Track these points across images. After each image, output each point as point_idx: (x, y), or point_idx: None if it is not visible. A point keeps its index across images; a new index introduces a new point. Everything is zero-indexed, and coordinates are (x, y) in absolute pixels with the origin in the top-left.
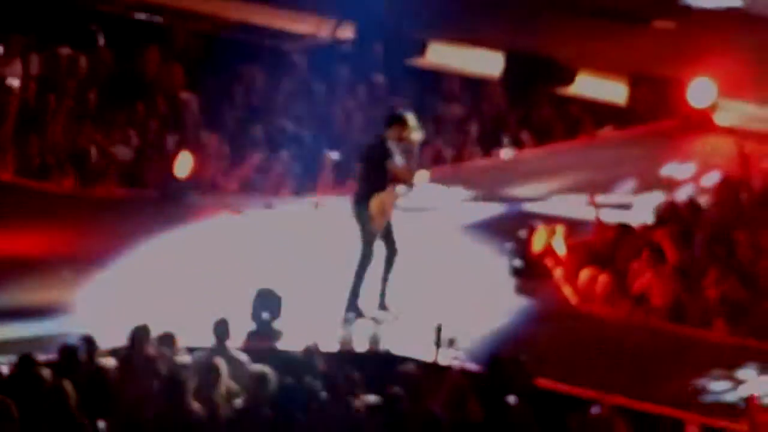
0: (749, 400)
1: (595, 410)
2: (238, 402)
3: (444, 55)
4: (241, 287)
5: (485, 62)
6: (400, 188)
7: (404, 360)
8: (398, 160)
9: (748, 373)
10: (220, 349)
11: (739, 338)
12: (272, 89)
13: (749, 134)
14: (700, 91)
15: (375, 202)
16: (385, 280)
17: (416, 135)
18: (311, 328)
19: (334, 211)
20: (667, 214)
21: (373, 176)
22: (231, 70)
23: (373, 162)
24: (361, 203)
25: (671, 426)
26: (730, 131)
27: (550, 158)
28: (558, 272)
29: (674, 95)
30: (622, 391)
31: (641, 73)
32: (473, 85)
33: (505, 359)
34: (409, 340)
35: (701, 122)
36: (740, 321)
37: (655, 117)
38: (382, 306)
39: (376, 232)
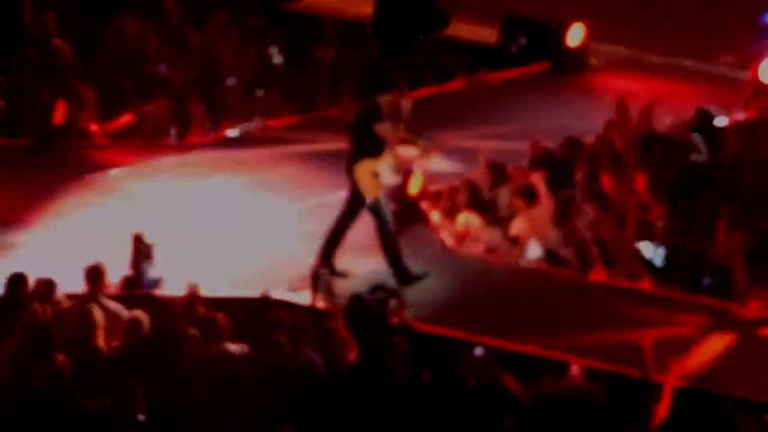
0: (641, 344)
1: (478, 352)
2: (113, 348)
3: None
4: (122, 235)
5: (359, 6)
6: (401, 154)
7: (281, 305)
8: (388, 126)
9: (624, 315)
10: (93, 296)
11: (614, 280)
12: (145, 36)
13: (622, 75)
14: (574, 32)
15: (363, 169)
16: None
17: (407, 105)
18: (196, 273)
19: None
20: (542, 157)
21: (362, 142)
22: (104, 17)
23: (363, 127)
24: (349, 170)
25: (553, 368)
26: (603, 72)
27: (425, 103)
28: (435, 215)
29: (547, 37)
30: (502, 334)
31: (513, 15)
32: (348, 28)
33: (365, 300)
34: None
35: (575, 63)
36: (614, 262)
37: (529, 59)
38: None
39: (369, 200)
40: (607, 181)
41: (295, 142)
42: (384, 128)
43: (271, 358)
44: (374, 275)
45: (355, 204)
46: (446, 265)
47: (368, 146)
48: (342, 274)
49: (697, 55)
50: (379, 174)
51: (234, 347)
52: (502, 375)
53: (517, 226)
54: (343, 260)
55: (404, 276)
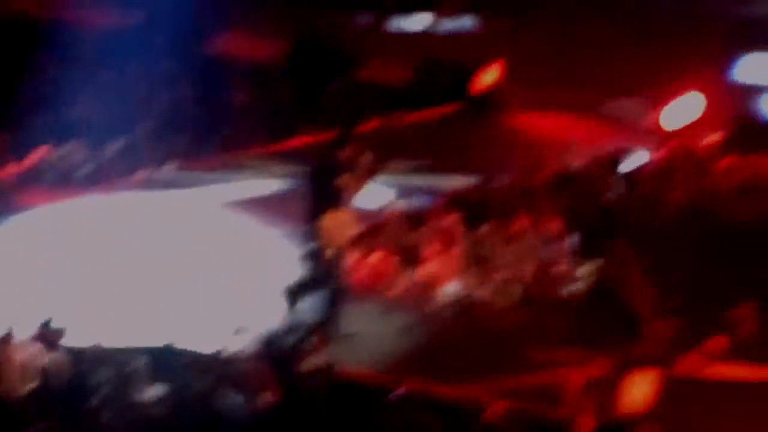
0: (569, 384)
1: (396, 394)
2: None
3: (231, 43)
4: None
5: (272, 49)
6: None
7: (193, 352)
8: (348, 178)
9: (543, 357)
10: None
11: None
12: (60, 78)
13: (537, 116)
14: (489, 74)
15: (327, 222)
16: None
17: (367, 156)
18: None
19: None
20: (457, 198)
21: (322, 195)
22: (18, 57)
23: (323, 180)
24: (311, 223)
25: (474, 409)
26: (518, 112)
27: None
28: (353, 256)
29: (463, 79)
30: (419, 375)
31: (430, 57)
32: (261, 72)
33: (281, 341)
34: (201, 330)
35: (490, 104)
36: (532, 302)
37: (442, 101)
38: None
39: (327, 253)
40: (522, 222)
41: (210, 184)
42: (346, 181)
43: (190, 400)
44: (293, 317)
45: (314, 252)
46: (365, 308)
47: (329, 199)
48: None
49: (610, 96)
50: (339, 225)
51: (153, 390)
52: (423, 416)
53: (433, 267)
54: (269, 303)
55: (335, 327)
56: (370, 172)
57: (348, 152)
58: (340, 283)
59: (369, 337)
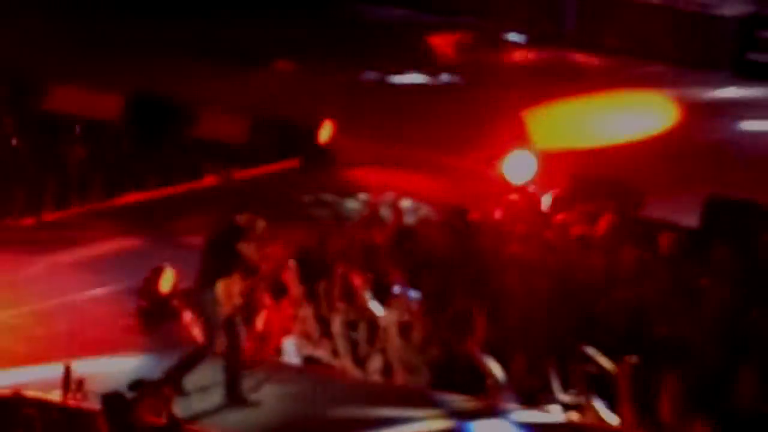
0: None
1: None
2: None
3: (66, 98)
4: None
5: (107, 105)
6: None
7: (33, 403)
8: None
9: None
10: None
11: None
12: None
13: (372, 171)
14: (324, 130)
15: (222, 287)
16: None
17: (262, 223)
18: None
19: None
20: (294, 252)
21: (220, 261)
22: None
23: (222, 246)
24: (207, 288)
25: None
26: (353, 168)
27: (176, 199)
28: (187, 314)
29: (297, 135)
30: None
31: (262, 113)
32: (96, 128)
33: (121, 396)
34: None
35: (325, 160)
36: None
37: (276, 156)
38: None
39: (219, 319)
40: (358, 278)
41: (42, 241)
42: (247, 248)
43: None
44: (135, 372)
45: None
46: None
47: (228, 264)
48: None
49: (447, 150)
50: (232, 295)
51: None
52: None
53: (263, 320)
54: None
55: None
56: (264, 238)
57: (245, 218)
58: (235, 346)
59: (204, 394)
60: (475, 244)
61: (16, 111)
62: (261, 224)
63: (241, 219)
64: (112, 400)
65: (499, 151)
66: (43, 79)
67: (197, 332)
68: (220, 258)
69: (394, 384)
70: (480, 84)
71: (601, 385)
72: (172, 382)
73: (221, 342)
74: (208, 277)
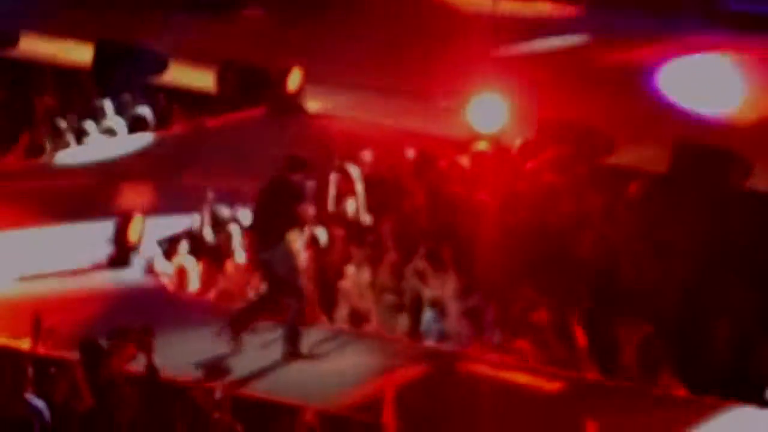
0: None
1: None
2: None
3: (35, 46)
4: None
5: (76, 52)
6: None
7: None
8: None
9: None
10: None
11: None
12: None
13: (341, 119)
14: (293, 76)
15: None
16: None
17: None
18: None
19: None
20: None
21: (282, 218)
22: None
23: (281, 204)
24: (276, 246)
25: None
26: (321, 116)
27: (145, 148)
28: (159, 262)
29: (264, 82)
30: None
31: (229, 60)
32: (65, 75)
33: (92, 342)
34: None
35: (292, 107)
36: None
37: (243, 104)
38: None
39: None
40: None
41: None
42: (305, 209)
43: None
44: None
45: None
46: (166, 308)
47: (287, 223)
48: None
49: (416, 95)
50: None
51: None
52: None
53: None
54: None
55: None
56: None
57: (299, 177)
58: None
59: (171, 336)
60: (444, 191)
61: None
62: (311, 184)
63: (296, 178)
64: (88, 346)
65: (466, 95)
66: (12, 27)
67: (166, 280)
68: (281, 216)
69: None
70: (448, 29)
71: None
72: (237, 323)
73: (287, 299)
74: (272, 235)
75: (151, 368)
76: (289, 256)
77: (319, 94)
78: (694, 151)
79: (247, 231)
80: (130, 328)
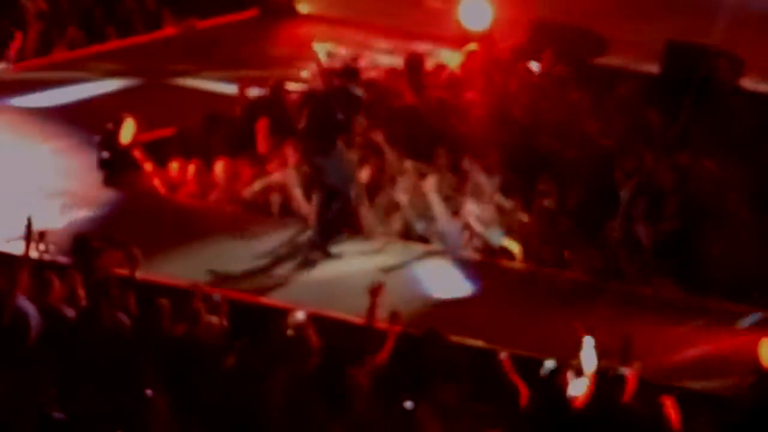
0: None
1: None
2: None
3: None
4: None
5: None
6: None
7: None
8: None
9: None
10: None
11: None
12: None
13: (332, 21)
14: None
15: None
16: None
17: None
18: None
19: None
20: (260, 105)
21: (337, 126)
22: None
23: (337, 112)
24: (329, 153)
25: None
26: (312, 19)
27: (137, 50)
28: (148, 164)
29: None
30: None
31: None
32: None
33: (85, 242)
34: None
35: (284, 10)
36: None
37: (235, 6)
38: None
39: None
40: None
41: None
42: (360, 121)
43: None
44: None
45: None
46: (156, 211)
47: (341, 130)
48: None
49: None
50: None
51: None
52: None
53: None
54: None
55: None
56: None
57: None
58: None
59: (162, 240)
60: (435, 92)
61: None
62: (359, 91)
63: (354, 88)
64: (81, 244)
65: None
66: None
67: (158, 182)
68: (336, 124)
69: None
70: None
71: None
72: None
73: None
74: (326, 141)
75: (131, 278)
76: (343, 162)
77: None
78: (685, 50)
79: (298, 135)
80: (115, 237)
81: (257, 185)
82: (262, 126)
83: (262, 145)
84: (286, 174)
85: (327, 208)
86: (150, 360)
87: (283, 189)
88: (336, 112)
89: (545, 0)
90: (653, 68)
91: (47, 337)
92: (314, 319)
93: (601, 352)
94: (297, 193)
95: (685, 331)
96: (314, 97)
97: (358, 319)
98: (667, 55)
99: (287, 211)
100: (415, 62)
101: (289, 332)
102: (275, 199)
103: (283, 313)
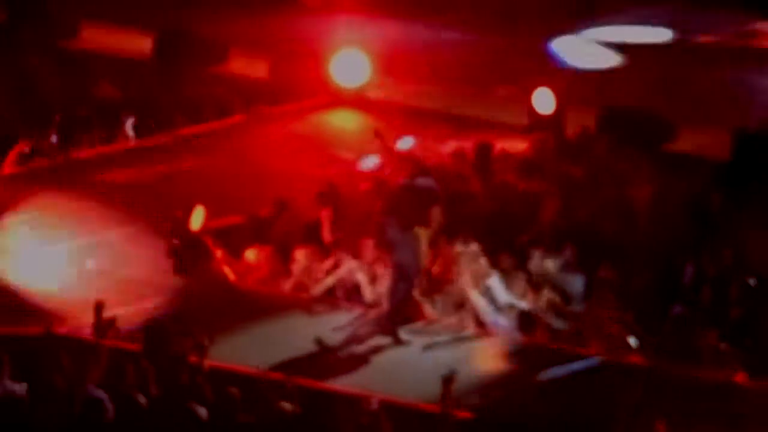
0: None
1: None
2: None
3: (96, 37)
4: None
5: (137, 42)
6: None
7: (66, 340)
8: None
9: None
10: None
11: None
12: None
13: (400, 110)
14: (351, 66)
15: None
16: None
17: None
18: None
19: None
20: (328, 194)
21: (415, 214)
22: None
23: (418, 201)
24: (407, 232)
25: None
26: (381, 106)
27: (207, 137)
28: (218, 252)
29: (319, 71)
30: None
31: (288, 49)
32: (126, 66)
33: (157, 330)
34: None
35: (352, 99)
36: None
37: (300, 94)
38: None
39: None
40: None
41: (72, 180)
42: (436, 212)
43: (50, 398)
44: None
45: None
46: (226, 299)
47: (418, 220)
48: None
49: (476, 86)
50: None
51: (14, 386)
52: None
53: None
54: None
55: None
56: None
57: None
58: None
59: (233, 328)
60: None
61: (46, 51)
62: (433, 183)
63: (431, 183)
64: (152, 330)
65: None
66: (73, 18)
67: (228, 269)
68: (415, 211)
69: None
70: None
71: None
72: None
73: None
74: (404, 222)
75: (198, 365)
76: (416, 244)
77: (381, 84)
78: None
79: (380, 213)
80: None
81: (329, 281)
82: (326, 216)
83: (327, 235)
84: (353, 265)
85: (396, 289)
86: None
87: (350, 278)
88: (415, 200)
89: (613, 84)
90: (721, 154)
91: (120, 424)
92: (386, 406)
93: None
94: (363, 279)
95: None
96: (388, 185)
97: (430, 407)
98: (736, 143)
99: (353, 298)
100: (483, 148)
101: (363, 420)
102: (342, 286)
103: (355, 400)
